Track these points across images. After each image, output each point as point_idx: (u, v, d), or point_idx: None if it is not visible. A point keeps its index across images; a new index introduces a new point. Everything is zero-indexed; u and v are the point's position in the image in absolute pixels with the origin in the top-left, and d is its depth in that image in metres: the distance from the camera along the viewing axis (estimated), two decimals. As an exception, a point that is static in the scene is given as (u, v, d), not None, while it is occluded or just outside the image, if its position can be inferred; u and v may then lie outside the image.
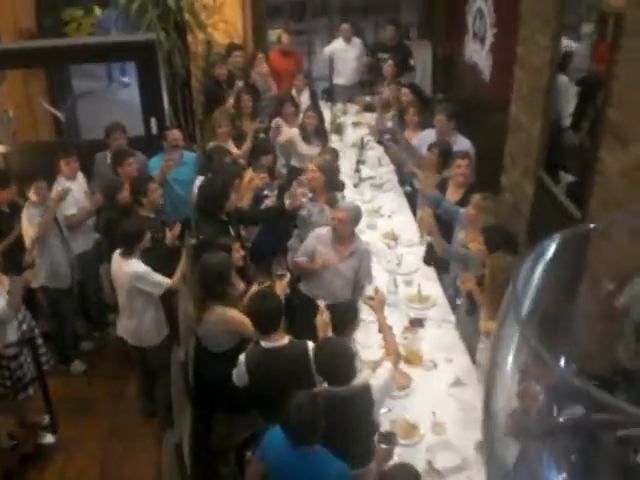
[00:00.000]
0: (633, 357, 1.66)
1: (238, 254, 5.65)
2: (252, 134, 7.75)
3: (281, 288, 5.24)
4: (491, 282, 4.55)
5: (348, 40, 10.11)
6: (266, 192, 6.81)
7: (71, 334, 6.88)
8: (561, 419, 1.06)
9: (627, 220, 1.44)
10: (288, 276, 5.57)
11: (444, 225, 5.97)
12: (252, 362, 4.62)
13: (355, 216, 5.77)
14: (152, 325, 5.87)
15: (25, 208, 6.33)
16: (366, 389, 4.15)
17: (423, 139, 7.41)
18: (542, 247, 1.15)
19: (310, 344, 4.58)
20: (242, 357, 4.66)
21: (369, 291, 5.29)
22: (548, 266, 1.14)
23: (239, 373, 4.66)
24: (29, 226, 6.26)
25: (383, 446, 4.08)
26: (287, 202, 6.38)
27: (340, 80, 10.33)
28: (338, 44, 10.21)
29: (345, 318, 4.76)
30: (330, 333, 4.63)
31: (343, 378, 4.15)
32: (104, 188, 6.72)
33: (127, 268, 5.60)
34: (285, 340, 4.63)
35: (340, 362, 4.17)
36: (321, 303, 5.10)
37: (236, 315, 5.00)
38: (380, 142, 8.64)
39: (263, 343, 4.61)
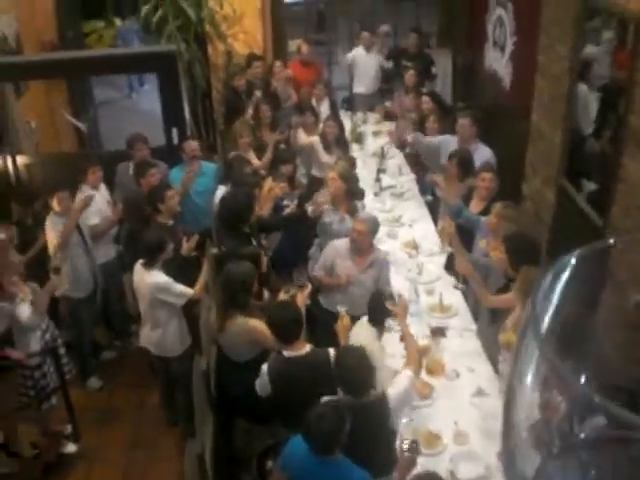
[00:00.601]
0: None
1: (263, 263, 5.68)
2: (272, 145, 7.77)
3: (302, 299, 5.24)
4: (523, 296, 4.49)
5: (368, 48, 10.12)
6: (286, 202, 6.82)
7: (89, 343, 6.90)
8: (582, 434, 1.05)
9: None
10: (309, 287, 5.57)
11: (465, 234, 5.93)
12: (274, 371, 4.62)
13: (374, 227, 5.75)
14: (175, 335, 5.88)
15: (48, 218, 6.39)
16: (383, 398, 4.14)
17: (446, 142, 7.38)
18: (562, 262, 1.14)
19: (332, 352, 4.59)
20: (265, 367, 4.66)
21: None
22: (568, 281, 1.14)
23: (262, 383, 4.66)
24: (53, 235, 6.32)
25: (406, 454, 4.06)
26: (309, 210, 6.39)
27: (360, 89, 10.33)
28: (358, 52, 10.22)
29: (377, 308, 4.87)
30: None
31: (361, 389, 4.14)
32: (126, 199, 6.76)
33: (149, 279, 5.62)
34: (307, 349, 4.64)
35: (359, 374, 4.15)
36: (341, 308, 5.09)
37: (258, 325, 5.00)
38: (400, 148, 8.64)
39: (285, 352, 4.61)
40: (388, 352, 5.07)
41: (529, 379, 1.04)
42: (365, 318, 4.96)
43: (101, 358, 7.16)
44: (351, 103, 10.38)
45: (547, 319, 1.09)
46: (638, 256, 1.30)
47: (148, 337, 5.95)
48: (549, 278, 1.13)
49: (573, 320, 1.19)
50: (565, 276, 1.14)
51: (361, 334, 4.85)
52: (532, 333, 1.03)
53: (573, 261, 1.15)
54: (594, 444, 1.06)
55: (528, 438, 1.08)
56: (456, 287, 6.11)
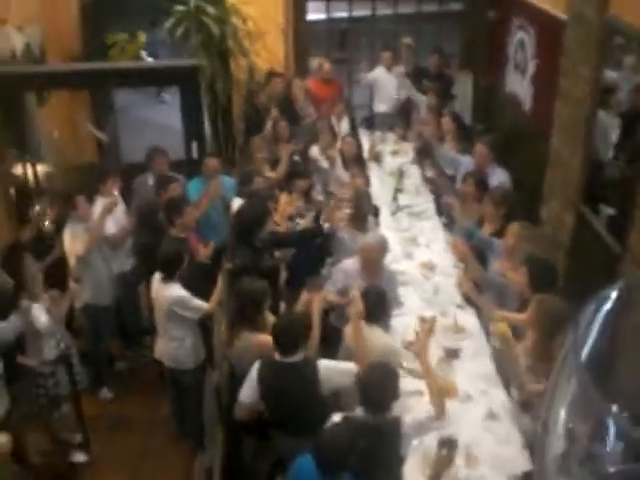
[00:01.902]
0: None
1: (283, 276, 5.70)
2: (287, 156, 7.77)
3: (318, 301, 5.23)
4: (536, 321, 4.47)
5: (389, 68, 10.12)
6: (299, 219, 6.81)
7: (105, 353, 6.93)
8: (614, 468, 1.04)
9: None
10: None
11: (478, 256, 5.93)
12: (263, 375, 4.64)
13: (382, 249, 5.74)
14: (190, 349, 5.90)
15: (67, 226, 6.43)
16: (397, 422, 4.10)
17: (465, 163, 7.38)
18: (604, 294, 1.14)
19: (321, 363, 4.59)
20: (253, 371, 4.67)
21: (408, 334, 5.19)
22: (609, 314, 1.13)
23: (249, 385, 4.66)
24: (73, 242, 6.35)
25: (443, 452, 4.01)
26: (325, 225, 6.39)
27: (381, 108, 10.33)
28: (379, 71, 10.23)
29: (377, 305, 4.92)
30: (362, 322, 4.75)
31: (382, 407, 4.12)
32: (140, 209, 6.79)
33: (167, 292, 5.64)
34: (299, 357, 4.61)
35: (383, 391, 4.15)
36: (355, 292, 5.06)
37: (264, 338, 4.99)
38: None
39: (277, 356, 4.61)
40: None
41: (566, 408, 1.04)
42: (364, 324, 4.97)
43: (114, 369, 7.17)
44: (371, 122, 10.38)
45: (587, 349, 1.09)
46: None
47: (163, 349, 5.96)
48: (591, 309, 1.13)
49: (612, 351, 1.19)
50: (607, 307, 1.14)
51: (375, 338, 4.87)
52: (572, 363, 1.03)
53: (615, 292, 1.14)
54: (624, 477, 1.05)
55: (562, 469, 1.07)
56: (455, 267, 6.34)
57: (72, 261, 6.41)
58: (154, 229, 6.46)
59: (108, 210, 6.49)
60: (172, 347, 5.88)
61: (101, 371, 6.85)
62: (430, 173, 8.36)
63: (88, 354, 6.56)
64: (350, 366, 4.64)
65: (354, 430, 3.84)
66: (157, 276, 5.71)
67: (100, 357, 6.83)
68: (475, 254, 5.89)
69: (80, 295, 6.12)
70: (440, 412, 4.39)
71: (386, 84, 10.11)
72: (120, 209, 6.98)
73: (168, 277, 5.63)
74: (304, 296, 5.38)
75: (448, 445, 4.05)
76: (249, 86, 9.79)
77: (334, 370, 4.63)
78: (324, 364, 4.62)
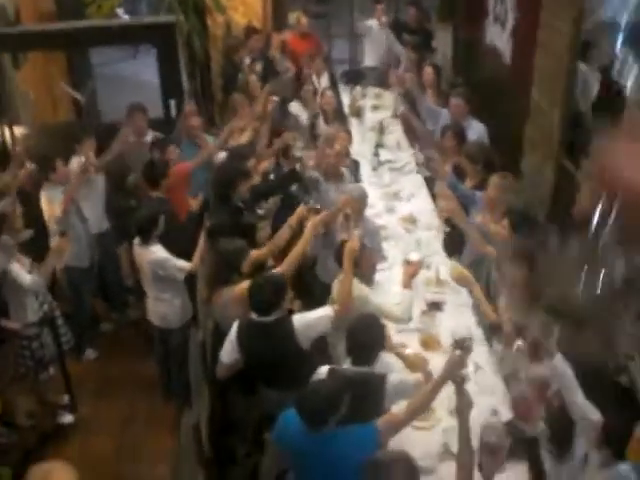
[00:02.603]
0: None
1: (265, 232, 5.68)
2: (264, 98, 7.71)
3: (314, 225, 5.35)
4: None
5: (381, 21, 9.99)
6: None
7: (88, 314, 6.92)
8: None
9: None
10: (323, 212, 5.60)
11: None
12: (242, 334, 4.68)
13: (362, 200, 5.81)
14: (178, 308, 5.95)
15: (44, 190, 6.37)
16: (382, 378, 4.14)
17: (443, 117, 7.37)
18: None
19: (295, 318, 4.62)
20: (232, 331, 4.71)
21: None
22: None
23: (229, 345, 4.71)
24: (51, 206, 6.31)
25: (457, 352, 4.04)
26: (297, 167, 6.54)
27: (370, 62, 10.24)
28: (372, 24, 10.09)
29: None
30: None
31: (369, 357, 4.16)
32: (109, 173, 6.73)
33: (147, 255, 5.64)
34: (275, 316, 4.61)
35: (370, 341, 4.20)
36: (356, 232, 5.14)
37: (241, 287, 4.99)
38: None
39: (253, 316, 4.63)
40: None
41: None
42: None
43: (99, 330, 7.17)
44: (350, 76, 10.30)
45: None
46: None
47: (152, 309, 5.99)
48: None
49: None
50: None
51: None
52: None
53: None
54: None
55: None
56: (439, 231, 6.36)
57: (52, 225, 6.36)
58: (125, 192, 6.42)
59: (85, 170, 6.44)
60: (160, 307, 5.93)
61: (85, 332, 6.85)
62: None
63: (71, 316, 6.54)
64: (325, 311, 4.68)
65: (339, 383, 3.86)
66: (136, 241, 5.71)
67: (83, 318, 6.82)
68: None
69: (67, 249, 6.05)
70: (427, 377, 4.38)
71: (378, 37, 10.01)
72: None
73: (145, 240, 5.64)
74: (300, 210, 5.48)
75: (462, 345, 4.08)
76: (227, 42, 9.69)
77: (309, 320, 4.63)
78: (297, 318, 4.64)
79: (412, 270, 5.06)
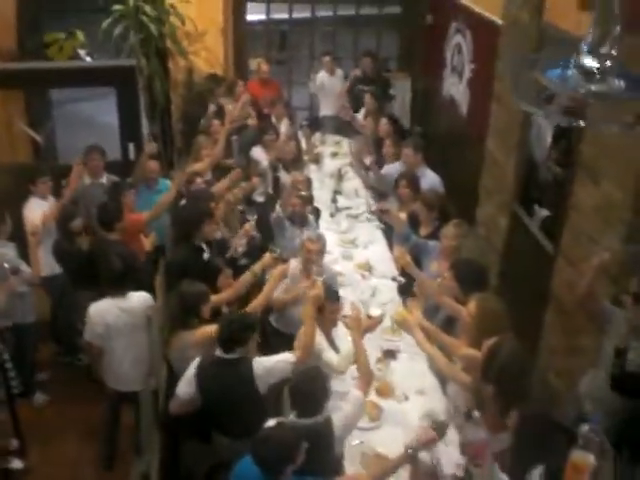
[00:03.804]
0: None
1: (226, 280, 5.65)
2: (224, 136, 7.85)
3: (280, 272, 5.46)
4: (476, 325, 4.52)
5: (332, 72, 10.18)
6: (248, 217, 6.77)
7: (31, 362, 6.76)
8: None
9: None
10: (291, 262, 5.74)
11: (413, 260, 6.03)
12: (201, 370, 4.63)
13: (323, 244, 5.89)
14: None
15: None
16: (328, 422, 4.11)
17: (390, 171, 7.48)
18: None
19: (256, 360, 4.58)
20: (193, 364, 4.67)
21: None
22: None
23: (186, 379, 4.66)
24: None
25: (433, 430, 4.01)
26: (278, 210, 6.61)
27: (326, 111, 10.37)
28: (323, 76, 10.26)
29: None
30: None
31: (313, 409, 4.12)
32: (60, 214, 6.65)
33: (135, 303, 5.53)
34: (238, 354, 4.58)
35: (314, 395, 4.14)
36: (318, 278, 5.18)
37: (203, 331, 4.96)
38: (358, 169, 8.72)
39: (217, 352, 4.60)
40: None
41: None
42: None
43: (37, 379, 6.95)
44: (311, 124, 10.39)
45: None
46: None
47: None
48: None
49: None
50: None
51: None
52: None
53: None
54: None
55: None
56: (394, 279, 6.29)
57: None
58: (69, 235, 6.34)
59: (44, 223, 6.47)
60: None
61: (31, 376, 6.68)
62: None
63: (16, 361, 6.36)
64: (286, 356, 4.66)
65: (295, 432, 3.83)
66: (106, 301, 5.47)
67: (27, 364, 6.64)
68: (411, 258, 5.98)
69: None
70: (366, 390, 4.50)
71: (330, 87, 10.17)
72: (49, 207, 6.78)
73: (121, 290, 5.50)
74: (267, 258, 5.63)
75: (438, 427, 4.06)
76: (193, 87, 9.75)
77: (269, 364, 4.60)
78: (259, 360, 4.60)
79: (371, 325, 5.06)
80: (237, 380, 4.54)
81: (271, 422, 4.08)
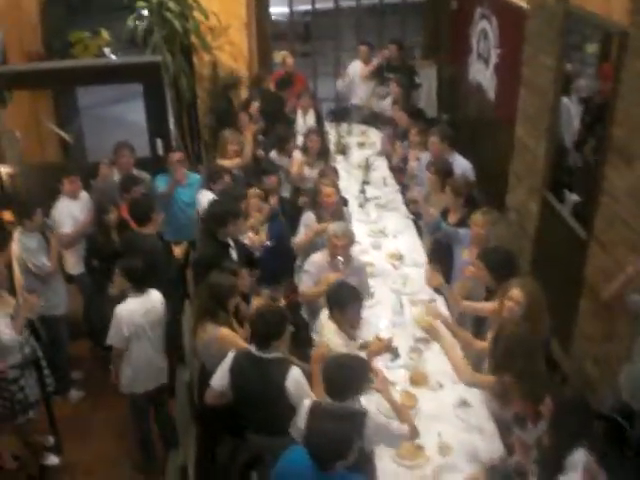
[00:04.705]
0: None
1: (244, 280, 5.62)
2: (251, 137, 7.86)
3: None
4: (528, 308, 4.54)
5: (366, 61, 10.11)
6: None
7: (66, 360, 6.81)
8: None
9: None
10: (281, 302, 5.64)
11: (444, 248, 6.00)
12: (235, 363, 4.58)
13: (350, 239, 5.81)
14: None
15: (18, 234, 6.28)
16: (362, 415, 4.04)
17: (423, 162, 7.43)
18: None
19: (294, 370, 4.48)
20: (229, 356, 4.63)
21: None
22: None
23: (221, 372, 4.62)
24: (20, 252, 6.23)
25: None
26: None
27: (357, 100, 10.32)
28: (356, 65, 10.21)
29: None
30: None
31: (341, 395, 4.08)
32: (95, 208, 6.70)
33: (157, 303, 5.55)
34: (275, 354, 4.52)
35: (345, 376, 4.09)
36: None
37: (228, 334, 4.96)
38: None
39: (253, 349, 4.55)
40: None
41: None
42: (326, 312, 5.05)
43: (72, 377, 7.00)
44: (337, 114, 10.36)
45: None
46: None
47: None
48: None
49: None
50: None
51: (326, 334, 4.95)
52: None
53: None
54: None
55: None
56: (431, 301, 5.86)
57: (17, 269, 6.29)
58: (104, 230, 6.39)
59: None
60: None
61: (65, 375, 6.73)
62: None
63: (50, 359, 6.41)
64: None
65: (351, 426, 3.75)
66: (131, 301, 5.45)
67: (62, 361, 6.69)
68: (441, 246, 6.00)
69: (36, 305, 5.92)
70: (413, 432, 4.34)
71: (363, 77, 10.11)
72: (81, 209, 6.88)
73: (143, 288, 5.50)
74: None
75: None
76: (220, 81, 9.77)
77: (303, 387, 4.49)
78: (296, 376, 4.48)
79: (379, 348, 4.91)
80: (267, 383, 4.47)
81: (307, 402, 4.08)
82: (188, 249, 6.88)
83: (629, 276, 4.71)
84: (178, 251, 6.67)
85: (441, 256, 6.20)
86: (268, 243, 6.59)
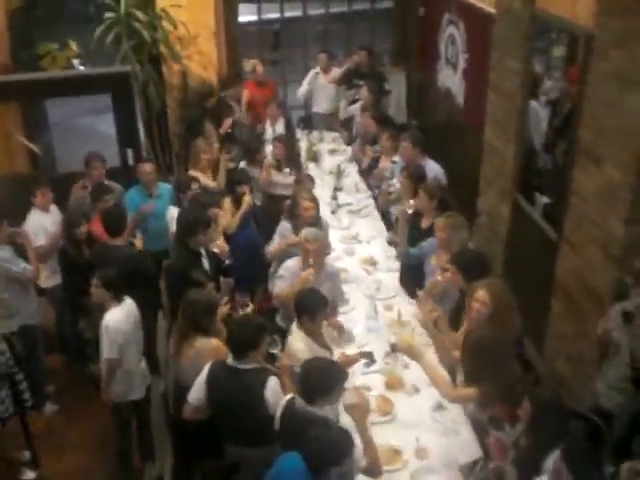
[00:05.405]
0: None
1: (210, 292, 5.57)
2: (224, 166, 7.86)
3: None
4: (493, 308, 4.56)
5: (326, 70, 10.14)
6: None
7: (43, 373, 6.74)
8: None
9: None
10: (250, 307, 5.59)
11: (415, 268, 6.06)
12: (211, 375, 4.54)
13: (324, 243, 5.83)
14: None
15: None
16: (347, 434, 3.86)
17: (388, 167, 7.48)
18: None
19: (272, 380, 4.45)
20: (205, 370, 4.59)
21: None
22: None
23: (197, 386, 4.58)
24: None
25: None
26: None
27: (318, 109, 10.35)
28: (317, 74, 10.22)
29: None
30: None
31: (312, 394, 4.06)
32: (65, 221, 6.65)
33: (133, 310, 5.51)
34: (254, 365, 4.49)
35: (317, 377, 4.07)
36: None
37: (221, 345, 4.88)
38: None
39: (229, 360, 4.51)
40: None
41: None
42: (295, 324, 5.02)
43: (46, 391, 6.92)
44: (307, 122, 10.38)
45: None
46: None
47: None
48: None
49: None
50: None
51: (292, 342, 4.94)
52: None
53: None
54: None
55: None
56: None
57: None
58: (75, 243, 6.35)
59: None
60: None
61: (41, 388, 6.66)
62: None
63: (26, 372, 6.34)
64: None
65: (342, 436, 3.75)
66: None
67: (38, 376, 6.62)
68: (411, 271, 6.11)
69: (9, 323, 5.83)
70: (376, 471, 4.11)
71: (323, 85, 10.14)
72: (52, 220, 6.81)
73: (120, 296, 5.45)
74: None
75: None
76: (198, 89, 9.75)
77: (281, 396, 4.43)
78: (274, 386, 4.45)
79: (349, 362, 4.91)
80: (247, 394, 4.43)
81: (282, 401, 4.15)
82: (159, 262, 6.84)
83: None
84: (138, 244, 6.57)
85: (411, 271, 6.23)
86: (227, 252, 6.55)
